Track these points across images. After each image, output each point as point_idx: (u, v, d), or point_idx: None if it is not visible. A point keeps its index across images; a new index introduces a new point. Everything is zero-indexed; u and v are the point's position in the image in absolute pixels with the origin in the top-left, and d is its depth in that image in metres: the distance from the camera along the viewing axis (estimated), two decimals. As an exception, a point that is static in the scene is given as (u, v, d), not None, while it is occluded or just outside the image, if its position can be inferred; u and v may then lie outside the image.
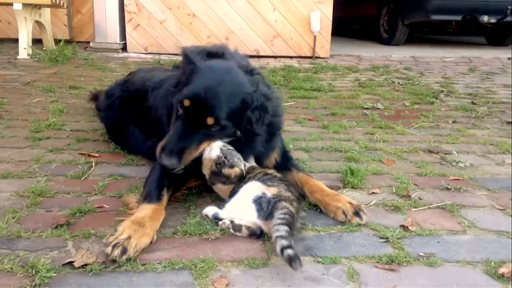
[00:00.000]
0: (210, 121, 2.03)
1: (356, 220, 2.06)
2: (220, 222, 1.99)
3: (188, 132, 2.05)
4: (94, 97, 3.88)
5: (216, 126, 2.05)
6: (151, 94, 2.63)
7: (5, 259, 1.69)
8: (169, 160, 2.00)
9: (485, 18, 8.58)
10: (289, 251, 1.65)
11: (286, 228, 1.77)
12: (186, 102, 2.02)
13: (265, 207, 1.89)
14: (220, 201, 2.18)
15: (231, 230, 1.95)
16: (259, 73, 2.29)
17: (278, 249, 1.69)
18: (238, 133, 2.14)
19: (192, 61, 2.15)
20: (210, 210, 2.05)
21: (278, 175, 2.15)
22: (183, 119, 2.05)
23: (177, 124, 2.06)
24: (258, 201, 1.92)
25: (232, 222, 1.96)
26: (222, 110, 2.04)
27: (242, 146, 2.19)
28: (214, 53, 2.28)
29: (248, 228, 1.93)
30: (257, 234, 1.92)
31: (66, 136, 3.23)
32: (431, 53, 8.69)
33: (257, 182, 2.03)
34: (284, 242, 1.69)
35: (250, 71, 2.24)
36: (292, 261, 1.62)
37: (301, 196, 2.18)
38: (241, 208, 1.97)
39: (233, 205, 2.01)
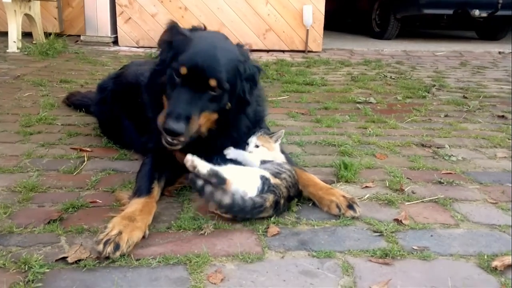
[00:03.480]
0: (213, 82, 1.99)
1: (350, 213, 2.06)
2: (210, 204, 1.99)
3: (190, 99, 1.98)
4: (69, 97, 3.88)
5: (218, 89, 2.01)
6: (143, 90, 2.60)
7: (-3, 255, 1.67)
8: (177, 124, 1.90)
9: (477, 12, 8.61)
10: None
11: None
12: (183, 70, 1.97)
13: (265, 189, 1.98)
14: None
15: (218, 212, 1.99)
16: (247, 48, 2.27)
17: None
18: (229, 105, 2.11)
19: (182, 32, 2.13)
20: (202, 166, 1.92)
21: (288, 168, 2.17)
22: (183, 86, 2.00)
23: (177, 92, 1.99)
24: (263, 180, 1.99)
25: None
26: (222, 73, 2.01)
27: (229, 125, 2.20)
28: (198, 27, 2.28)
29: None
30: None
31: (57, 131, 3.20)
32: (422, 47, 8.72)
33: (268, 173, 2.07)
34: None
35: (238, 44, 2.24)
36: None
37: (299, 195, 2.19)
38: (246, 178, 2.00)
39: (237, 171, 2.04)
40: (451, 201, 2.29)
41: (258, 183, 1.98)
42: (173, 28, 2.16)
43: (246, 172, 2.06)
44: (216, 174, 1.92)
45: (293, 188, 2.10)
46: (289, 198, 2.08)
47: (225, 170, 1.98)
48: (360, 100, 4.44)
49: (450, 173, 2.66)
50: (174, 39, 2.12)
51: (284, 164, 2.21)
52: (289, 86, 4.97)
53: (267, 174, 2.04)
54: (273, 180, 2.02)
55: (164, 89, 2.08)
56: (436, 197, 2.32)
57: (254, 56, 6.57)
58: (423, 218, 2.10)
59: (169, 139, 1.98)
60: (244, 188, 1.96)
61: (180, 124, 1.91)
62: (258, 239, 1.87)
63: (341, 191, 2.22)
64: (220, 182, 1.92)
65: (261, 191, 1.98)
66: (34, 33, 6.99)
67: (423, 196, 2.33)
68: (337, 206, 2.08)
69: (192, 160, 1.92)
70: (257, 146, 2.26)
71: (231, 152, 2.27)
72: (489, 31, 10.23)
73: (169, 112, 1.95)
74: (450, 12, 9.01)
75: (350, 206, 2.08)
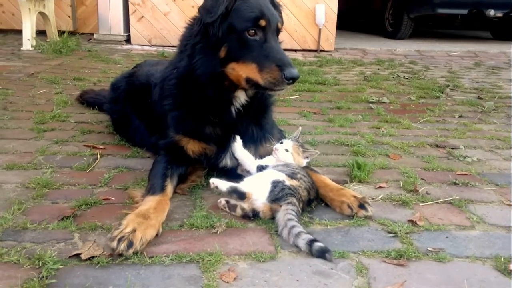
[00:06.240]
0: (280, 25, 2.24)
1: (362, 212, 2.04)
2: (218, 201, 2.07)
3: (279, 47, 2.16)
4: (82, 95, 3.90)
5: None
6: (154, 90, 2.61)
7: (11, 250, 1.68)
8: (295, 69, 2.05)
9: (492, 12, 8.52)
10: (319, 244, 1.73)
11: (299, 224, 1.83)
12: (263, 22, 2.10)
13: (277, 191, 1.95)
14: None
15: (227, 209, 2.04)
16: None
17: (303, 242, 1.75)
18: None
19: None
20: (223, 185, 2.03)
21: (298, 167, 2.18)
22: (268, 38, 2.13)
23: (266, 45, 2.11)
24: (275, 184, 1.98)
25: (228, 202, 2.04)
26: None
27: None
28: None
29: (242, 209, 2.00)
30: (249, 216, 1.99)
31: (71, 128, 3.21)
32: (436, 47, 8.63)
33: (283, 174, 2.06)
34: (309, 236, 1.77)
35: None
36: (325, 252, 1.71)
37: (318, 196, 2.17)
38: (258, 184, 2.01)
39: (252, 180, 2.08)
40: (467, 203, 2.26)
41: (268, 188, 1.98)
42: None
43: (260, 179, 2.06)
44: (235, 191, 2.01)
45: (312, 189, 2.09)
46: (309, 201, 2.07)
47: (244, 184, 2.05)
48: (373, 100, 4.40)
49: (465, 174, 2.63)
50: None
51: (292, 164, 2.19)
52: (301, 85, 4.95)
53: (281, 177, 2.02)
54: (289, 182, 2.00)
55: (232, 57, 2.12)
56: (451, 198, 2.29)
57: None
58: (438, 220, 2.08)
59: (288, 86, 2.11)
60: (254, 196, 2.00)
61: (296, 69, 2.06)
62: (271, 238, 1.85)
63: (352, 191, 2.20)
64: (240, 196, 2.00)
65: (272, 194, 1.96)
66: (48, 31, 7.05)
67: (438, 197, 2.30)
68: (349, 206, 2.07)
69: (213, 183, 2.04)
70: (287, 151, 2.24)
71: (235, 144, 2.29)
72: (504, 31, 10.10)
73: (281, 63, 2.05)
74: (465, 12, 8.93)
75: (362, 206, 2.06)
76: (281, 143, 2.28)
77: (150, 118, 2.65)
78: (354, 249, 1.80)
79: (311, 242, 1.74)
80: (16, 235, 1.80)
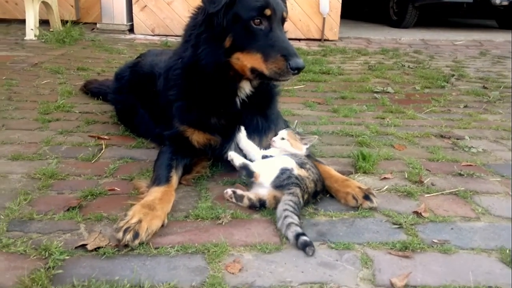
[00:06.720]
0: (285, 15, 2.20)
1: (367, 204, 2.05)
2: (224, 191, 2.10)
3: (285, 37, 2.14)
4: (86, 85, 3.89)
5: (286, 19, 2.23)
6: (159, 80, 2.60)
7: (18, 241, 1.69)
8: (301, 59, 2.03)
9: (497, 0, 8.44)
10: (304, 238, 1.71)
11: (296, 217, 1.83)
12: (268, 12, 2.08)
13: (283, 178, 1.97)
14: (230, 185, 2.20)
15: (233, 200, 2.05)
16: None
17: (291, 235, 1.74)
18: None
19: None
20: (237, 159, 2.08)
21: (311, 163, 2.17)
22: (274, 27, 2.11)
23: (272, 34, 2.09)
24: (282, 171, 2.00)
25: (234, 192, 2.06)
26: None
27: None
28: None
29: (249, 199, 2.02)
30: (256, 206, 2.01)
31: (75, 118, 3.22)
32: (441, 36, 8.56)
33: (294, 162, 2.07)
34: (298, 229, 1.76)
35: None
36: (307, 246, 1.69)
37: (324, 189, 2.16)
38: (267, 168, 2.04)
39: (263, 163, 2.11)
40: (472, 194, 2.25)
41: (275, 174, 1.99)
42: None
43: (270, 164, 2.08)
44: (245, 168, 2.04)
45: (319, 182, 2.08)
46: (315, 193, 2.07)
47: (255, 164, 2.08)
48: (378, 90, 4.38)
49: (470, 165, 2.62)
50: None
51: (299, 154, 2.20)
52: (305, 75, 4.93)
53: (290, 165, 2.02)
54: (298, 171, 2.00)
55: (237, 47, 2.10)
56: (456, 190, 2.28)
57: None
58: (443, 211, 2.07)
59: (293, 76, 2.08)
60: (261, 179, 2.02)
61: (301, 59, 2.04)
62: (276, 230, 1.85)
63: (357, 182, 2.20)
64: (249, 174, 2.03)
65: (277, 180, 1.97)
66: (51, 20, 7.03)
67: (443, 188, 2.30)
68: (354, 198, 2.07)
69: (230, 155, 2.12)
70: (283, 139, 2.25)
71: (240, 135, 2.29)
72: (510, 20, 9.99)
73: (287, 53, 2.02)
74: (470, 0, 8.83)
75: (367, 197, 2.06)
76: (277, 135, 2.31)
77: (154, 108, 2.65)
78: (359, 241, 1.80)
79: (298, 236, 1.74)
80: (23, 225, 1.81)
